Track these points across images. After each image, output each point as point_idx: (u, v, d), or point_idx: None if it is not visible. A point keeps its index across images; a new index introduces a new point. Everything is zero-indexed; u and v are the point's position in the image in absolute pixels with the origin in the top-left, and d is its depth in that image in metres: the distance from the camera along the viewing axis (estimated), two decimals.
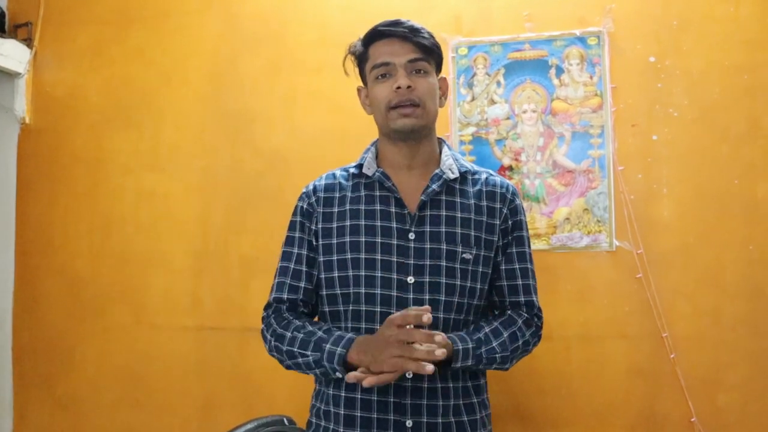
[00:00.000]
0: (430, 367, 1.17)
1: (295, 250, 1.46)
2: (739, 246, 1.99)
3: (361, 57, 1.47)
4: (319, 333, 1.34)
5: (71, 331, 2.41)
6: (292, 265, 1.45)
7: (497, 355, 1.35)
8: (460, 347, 1.31)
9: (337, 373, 1.30)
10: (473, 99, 2.16)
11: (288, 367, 1.40)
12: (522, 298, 1.45)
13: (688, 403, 1.97)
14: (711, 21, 2.04)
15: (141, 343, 2.35)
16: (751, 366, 1.96)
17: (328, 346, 1.30)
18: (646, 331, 2.01)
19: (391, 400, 1.33)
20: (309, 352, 1.33)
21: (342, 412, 1.35)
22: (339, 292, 1.40)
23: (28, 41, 2.50)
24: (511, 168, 2.12)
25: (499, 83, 2.15)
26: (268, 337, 1.41)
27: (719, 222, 2.00)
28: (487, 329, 1.37)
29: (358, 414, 1.34)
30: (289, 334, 1.37)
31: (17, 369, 2.45)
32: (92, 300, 2.40)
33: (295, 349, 1.35)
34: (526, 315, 1.44)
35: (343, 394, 1.36)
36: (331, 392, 1.38)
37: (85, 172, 2.45)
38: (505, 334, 1.38)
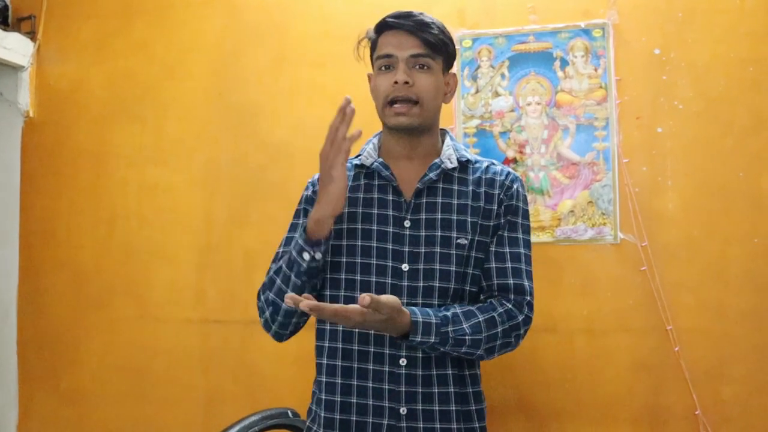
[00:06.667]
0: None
1: (296, 236, 1.43)
2: (744, 239, 1.98)
3: (372, 44, 1.46)
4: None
5: (75, 324, 2.42)
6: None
7: (467, 337, 1.28)
8: (420, 320, 1.25)
9: (305, 254, 1.30)
10: (477, 91, 2.16)
11: (274, 313, 1.39)
12: (511, 281, 1.37)
13: (692, 396, 1.97)
14: (716, 13, 2.03)
15: (145, 337, 2.36)
16: (755, 359, 1.96)
17: (294, 243, 1.35)
18: (651, 324, 2.01)
19: (386, 387, 1.34)
20: (283, 263, 1.37)
21: (338, 399, 1.36)
22: (335, 276, 1.40)
23: (31, 34, 2.50)
24: (515, 160, 2.12)
25: (503, 75, 2.15)
26: (261, 298, 1.43)
27: (724, 215, 2.00)
28: (458, 309, 1.32)
29: (354, 401, 1.35)
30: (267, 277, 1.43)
31: (22, 362, 2.46)
32: (96, 293, 2.41)
33: (272, 274, 1.40)
34: (513, 301, 1.36)
35: (339, 381, 1.37)
36: (328, 380, 1.39)
37: (89, 166, 2.45)
38: (480, 318, 1.31)
